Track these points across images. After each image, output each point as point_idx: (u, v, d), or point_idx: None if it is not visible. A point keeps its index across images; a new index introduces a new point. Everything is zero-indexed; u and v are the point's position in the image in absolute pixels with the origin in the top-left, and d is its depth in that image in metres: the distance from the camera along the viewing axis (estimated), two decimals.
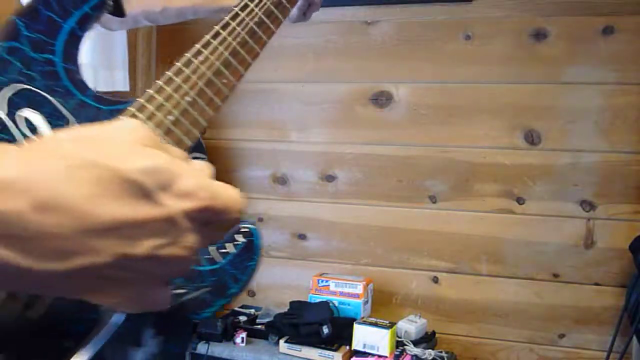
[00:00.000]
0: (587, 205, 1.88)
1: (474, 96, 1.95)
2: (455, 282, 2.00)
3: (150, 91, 0.52)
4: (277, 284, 2.15)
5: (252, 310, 2.08)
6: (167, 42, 2.18)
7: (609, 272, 1.88)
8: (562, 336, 1.92)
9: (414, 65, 2.01)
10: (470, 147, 1.96)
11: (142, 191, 0.35)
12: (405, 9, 2.00)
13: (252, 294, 2.20)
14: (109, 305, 0.40)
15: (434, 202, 2.01)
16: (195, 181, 0.36)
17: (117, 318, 0.46)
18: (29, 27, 0.50)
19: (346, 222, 2.06)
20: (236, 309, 2.10)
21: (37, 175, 0.33)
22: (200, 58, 0.54)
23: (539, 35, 1.89)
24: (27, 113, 0.49)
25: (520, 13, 1.90)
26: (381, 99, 2.04)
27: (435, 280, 2.02)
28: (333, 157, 2.08)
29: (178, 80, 0.53)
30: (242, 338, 1.90)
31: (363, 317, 1.88)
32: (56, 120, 0.50)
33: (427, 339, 1.88)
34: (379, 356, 1.77)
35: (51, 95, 0.50)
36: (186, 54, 0.54)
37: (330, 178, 2.08)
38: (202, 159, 0.57)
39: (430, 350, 1.81)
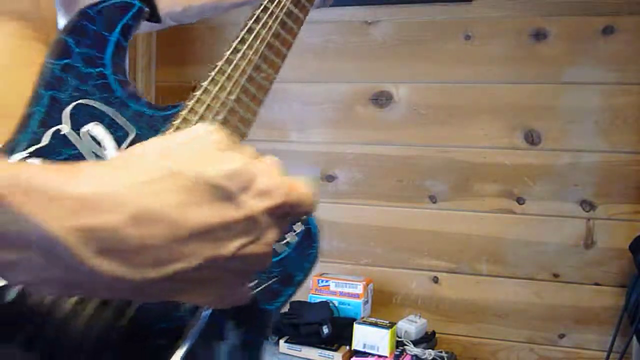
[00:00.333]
0: (587, 205, 1.88)
1: (474, 96, 1.95)
2: (455, 282, 2.00)
3: (197, 93, 0.53)
4: None
5: None
6: (167, 42, 2.18)
7: (609, 272, 1.88)
8: (562, 336, 1.92)
9: (414, 65, 2.01)
10: (470, 147, 1.96)
11: (225, 195, 0.36)
12: (405, 9, 2.00)
13: None
14: (197, 303, 0.42)
15: (434, 202, 2.01)
16: (271, 179, 0.38)
17: (205, 314, 0.47)
18: (79, 43, 0.51)
19: (346, 222, 2.06)
20: None
21: (128, 189, 0.34)
22: (239, 55, 0.55)
23: (539, 35, 1.89)
24: (90, 127, 0.50)
25: (520, 13, 1.90)
26: (381, 99, 2.04)
27: (435, 280, 2.02)
28: (333, 157, 2.08)
29: (221, 79, 0.54)
30: None
31: (363, 317, 1.88)
32: (116, 132, 0.51)
33: (427, 339, 1.88)
34: (379, 356, 1.77)
35: (108, 107, 0.51)
36: (224, 52, 0.55)
37: (330, 178, 2.08)
38: None
39: (430, 350, 1.81)
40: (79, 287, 0.36)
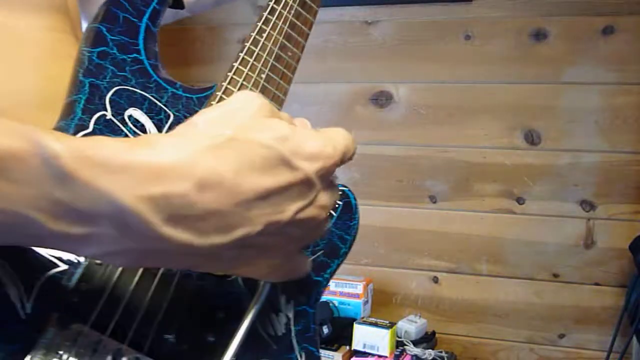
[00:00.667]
0: (587, 205, 1.88)
1: (474, 96, 1.95)
2: (455, 282, 2.00)
3: (229, 74, 0.54)
4: None
5: None
6: (167, 42, 2.17)
7: (609, 272, 1.88)
8: (562, 336, 1.92)
9: (414, 65, 2.01)
10: (470, 147, 1.96)
11: (279, 159, 0.37)
12: (405, 9, 2.00)
13: None
14: (256, 276, 0.43)
15: (434, 202, 2.01)
16: (318, 142, 0.39)
17: (267, 288, 0.49)
18: (111, 30, 0.52)
19: None
20: None
21: (191, 157, 0.35)
22: (264, 35, 0.56)
23: (539, 35, 1.89)
24: (131, 111, 0.51)
25: (520, 13, 1.90)
26: (381, 99, 2.04)
27: (435, 280, 2.02)
28: None
29: (250, 59, 0.55)
30: None
31: (363, 317, 1.88)
32: (156, 115, 0.52)
33: (427, 339, 1.88)
34: (379, 356, 1.77)
35: (146, 92, 0.52)
36: (251, 34, 0.56)
37: None
38: None
39: (430, 350, 1.81)
40: (150, 257, 0.37)
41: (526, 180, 1.93)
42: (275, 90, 0.56)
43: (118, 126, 0.50)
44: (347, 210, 0.62)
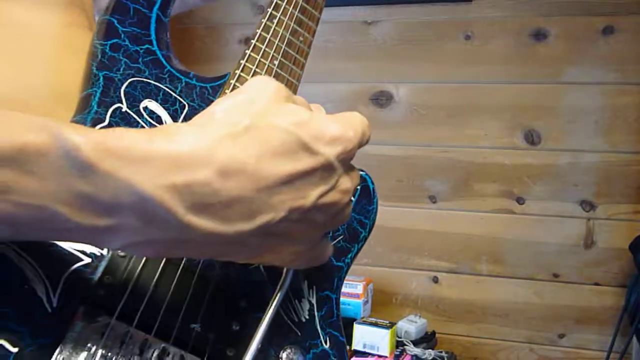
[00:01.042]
0: (587, 205, 1.88)
1: (474, 96, 1.95)
2: (455, 282, 2.00)
3: (241, 61, 0.54)
4: None
5: None
6: None
7: (609, 272, 1.88)
8: (562, 336, 1.92)
9: (414, 65, 2.01)
10: (470, 147, 1.96)
11: (301, 144, 0.37)
12: (405, 9, 2.00)
13: None
14: (279, 263, 0.44)
15: (434, 202, 2.01)
16: (339, 125, 0.39)
17: (289, 276, 0.49)
18: (122, 22, 0.52)
19: None
20: None
21: (211, 145, 0.35)
22: (275, 21, 0.56)
23: (539, 35, 1.89)
24: (146, 103, 0.51)
25: (520, 13, 1.90)
26: (381, 99, 2.04)
27: (435, 280, 2.02)
28: None
29: (261, 45, 0.55)
30: None
31: (363, 317, 1.88)
32: (172, 106, 0.52)
33: (427, 339, 1.88)
34: (379, 356, 1.77)
35: (160, 83, 0.52)
36: (261, 20, 0.56)
37: None
38: None
39: (430, 350, 1.81)
40: (175, 247, 0.37)
41: (526, 180, 1.93)
42: (288, 76, 0.56)
43: (134, 118, 0.50)
44: (366, 195, 0.63)
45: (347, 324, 1.83)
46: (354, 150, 0.40)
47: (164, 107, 0.51)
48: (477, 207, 1.97)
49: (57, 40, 0.53)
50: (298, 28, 0.57)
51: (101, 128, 0.48)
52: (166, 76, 0.53)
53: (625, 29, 1.82)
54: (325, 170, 0.38)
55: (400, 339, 1.84)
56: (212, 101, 0.49)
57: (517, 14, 1.90)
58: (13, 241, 0.41)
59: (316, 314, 0.55)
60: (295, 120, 0.37)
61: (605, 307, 1.88)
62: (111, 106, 0.49)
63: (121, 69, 0.51)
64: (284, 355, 0.51)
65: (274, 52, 0.55)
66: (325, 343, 0.54)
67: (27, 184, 0.31)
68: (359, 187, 0.61)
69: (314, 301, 0.55)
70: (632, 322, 1.69)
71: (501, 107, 1.93)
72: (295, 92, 0.57)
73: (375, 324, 1.80)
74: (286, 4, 0.57)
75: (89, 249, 0.44)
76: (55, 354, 0.40)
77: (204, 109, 0.39)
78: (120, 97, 0.50)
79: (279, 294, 0.48)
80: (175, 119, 0.52)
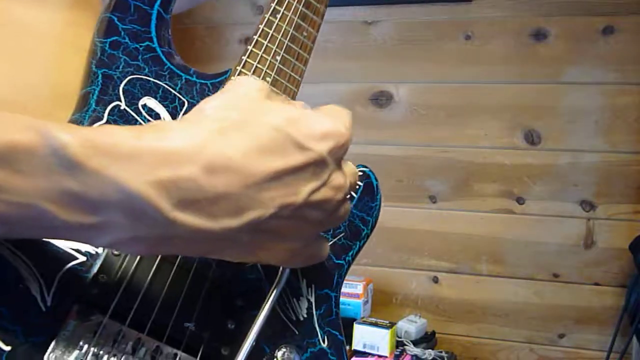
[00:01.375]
0: (587, 205, 1.88)
1: (474, 96, 1.95)
2: (455, 282, 2.00)
3: (243, 57, 0.53)
4: None
5: None
6: None
7: (609, 272, 1.88)
8: (562, 336, 1.92)
9: (414, 65, 2.01)
10: (470, 147, 1.96)
11: (291, 140, 0.37)
12: (405, 9, 2.00)
13: None
14: (274, 262, 0.43)
15: (434, 202, 2.01)
16: (329, 120, 0.39)
17: (285, 273, 0.49)
18: (123, 19, 0.52)
19: None
20: None
21: (198, 141, 0.35)
22: (278, 16, 0.55)
23: (539, 35, 1.89)
24: (145, 100, 0.51)
25: (520, 13, 1.90)
26: (381, 99, 2.04)
27: (435, 280, 2.02)
28: None
29: (264, 41, 0.54)
30: None
31: (363, 317, 1.88)
32: (171, 103, 0.52)
33: (427, 339, 1.88)
34: (379, 356, 1.77)
35: (159, 80, 0.52)
36: (264, 15, 0.55)
37: None
38: None
39: (430, 350, 1.81)
40: (163, 244, 0.37)
41: (526, 180, 1.93)
42: (291, 72, 0.56)
43: (132, 116, 0.50)
44: (369, 191, 0.61)
45: (347, 324, 1.83)
46: (346, 145, 0.40)
47: (163, 105, 0.51)
48: (477, 207, 1.97)
49: (60, 39, 0.53)
50: (302, 23, 0.57)
51: (99, 126, 0.48)
52: (166, 73, 0.52)
53: (625, 29, 1.82)
54: (317, 166, 0.38)
55: (400, 339, 1.84)
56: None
57: (517, 14, 1.90)
58: (7, 240, 0.41)
59: (315, 312, 0.54)
60: (285, 117, 0.38)
61: (605, 307, 1.88)
62: (109, 104, 0.49)
63: (120, 67, 0.50)
64: (279, 354, 0.50)
65: (277, 47, 0.55)
66: (323, 342, 0.54)
67: (16, 183, 0.32)
68: (361, 184, 0.61)
69: (312, 299, 0.54)
70: (632, 322, 1.69)
71: (501, 107, 1.93)
72: (297, 88, 0.56)
73: (375, 324, 1.80)
74: None
75: (84, 247, 0.44)
76: (48, 352, 0.40)
77: (195, 106, 0.40)
78: (119, 94, 0.50)
79: (274, 292, 0.48)
80: (174, 116, 0.51)
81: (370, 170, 0.62)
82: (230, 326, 0.49)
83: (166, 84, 0.52)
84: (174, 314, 0.46)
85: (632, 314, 1.70)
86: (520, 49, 1.90)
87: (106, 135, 0.34)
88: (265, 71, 0.54)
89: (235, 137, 0.36)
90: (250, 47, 0.54)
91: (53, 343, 0.41)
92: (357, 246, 0.60)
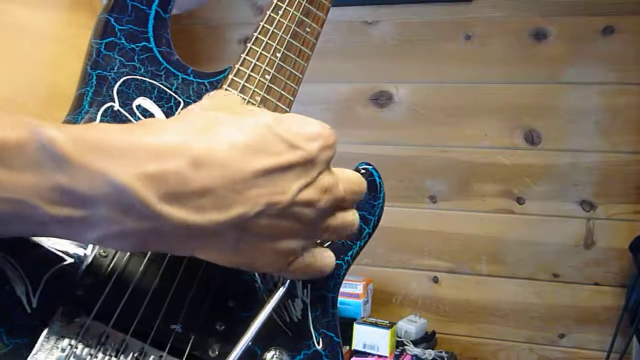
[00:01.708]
0: (587, 205, 1.88)
1: (474, 96, 1.95)
2: (455, 282, 2.00)
3: (242, 55, 0.53)
4: None
5: None
6: None
7: (609, 272, 1.88)
8: (562, 336, 1.92)
9: (414, 65, 2.01)
10: (470, 147, 1.96)
11: (281, 139, 0.37)
12: (405, 9, 2.00)
13: None
14: (270, 269, 0.42)
15: (434, 202, 2.01)
16: (317, 122, 0.40)
17: (287, 282, 0.48)
18: (120, 20, 0.52)
19: None
20: None
21: (186, 136, 0.36)
22: (280, 12, 0.55)
23: (539, 35, 1.89)
24: (140, 101, 0.50)
25: (520, 13, 1.90)
26: (381, 99, 2.04)
27: (435, 280, 2.02)
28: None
29: (264, 38, 0.54)
30: None
31: (363, 317, 1.88)
32: (166, 103, 0.52)
33: (427, 339, 1.88)
34: (379, 356, 1.77)
35: (155, 80, 0.52)
36: (265, 11, 0.54)
37: None
38: None
39: (430, 350, 1.81)
40: (151, 240, 0.37)
41: (526, 180, 1.93)
42: (292, 68, 0.55)
43: (126, 116, 0.49)
44: (371, 189, 0.60)
45: (347, 324, 1.83)
46: (334, 146, 0.40)
47: (158, 105, 0.51)
48: (477, 207, 1.97)
49: (59, 40, 0.53)
50: (305, 19, 0.56)
51: (89, 123, 0.48)
52: (162, 73, 0.52)
53: (625, 29, 1.82)
54: (306, 165, 0.38)
55: (400, 339, 1.84)
56: None
57: (517, 14, 1.90)
58: None
59: (310, 314, 0.53)
60: (274, 116, 0.38)
61: (605, 307, 1.88)
62: (103, 105, 0.49)
63: (115, 68, 0.50)
64: (268, 355, 0.50)
65: (277, 44, 0.54)
66: (318, 344, 0.53)
67: (6, 179, 0.32)
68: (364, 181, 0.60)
69: (307, 301, 0.53)
70: (632, 322, 1.69)
71: (501, 107, 1.93)
72: (298, 86, 0.56)
73: (375, 324, 1.80)
74: None
75: (72, 249, 0.44)
76: (32, 353, 0.41)
77: (187, 107, 0.40)
78: (113, 95, 0.50)
79: (277, 293, 0.48)
80: (169, 116, 0.51)
81: (373, 168, 0.61)
82: (220, 327, 0.48)
83: (162, 83, 0.52)
84: (160, 315, 0.46)
85: (632, 313, 1.70)
86: (520, 49, 1.90)
87: (95, 130, 0.35)
88: (264, 69, 0.53)
89: (224, 134, 0.36)
90: (249, 45, 0.53)
91: (37, 344, 0.41)
92: (358, 246, 0.59)
